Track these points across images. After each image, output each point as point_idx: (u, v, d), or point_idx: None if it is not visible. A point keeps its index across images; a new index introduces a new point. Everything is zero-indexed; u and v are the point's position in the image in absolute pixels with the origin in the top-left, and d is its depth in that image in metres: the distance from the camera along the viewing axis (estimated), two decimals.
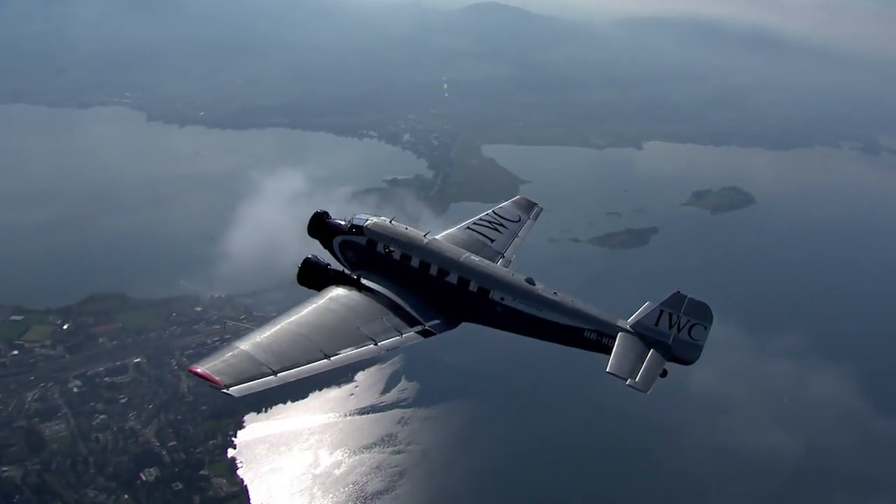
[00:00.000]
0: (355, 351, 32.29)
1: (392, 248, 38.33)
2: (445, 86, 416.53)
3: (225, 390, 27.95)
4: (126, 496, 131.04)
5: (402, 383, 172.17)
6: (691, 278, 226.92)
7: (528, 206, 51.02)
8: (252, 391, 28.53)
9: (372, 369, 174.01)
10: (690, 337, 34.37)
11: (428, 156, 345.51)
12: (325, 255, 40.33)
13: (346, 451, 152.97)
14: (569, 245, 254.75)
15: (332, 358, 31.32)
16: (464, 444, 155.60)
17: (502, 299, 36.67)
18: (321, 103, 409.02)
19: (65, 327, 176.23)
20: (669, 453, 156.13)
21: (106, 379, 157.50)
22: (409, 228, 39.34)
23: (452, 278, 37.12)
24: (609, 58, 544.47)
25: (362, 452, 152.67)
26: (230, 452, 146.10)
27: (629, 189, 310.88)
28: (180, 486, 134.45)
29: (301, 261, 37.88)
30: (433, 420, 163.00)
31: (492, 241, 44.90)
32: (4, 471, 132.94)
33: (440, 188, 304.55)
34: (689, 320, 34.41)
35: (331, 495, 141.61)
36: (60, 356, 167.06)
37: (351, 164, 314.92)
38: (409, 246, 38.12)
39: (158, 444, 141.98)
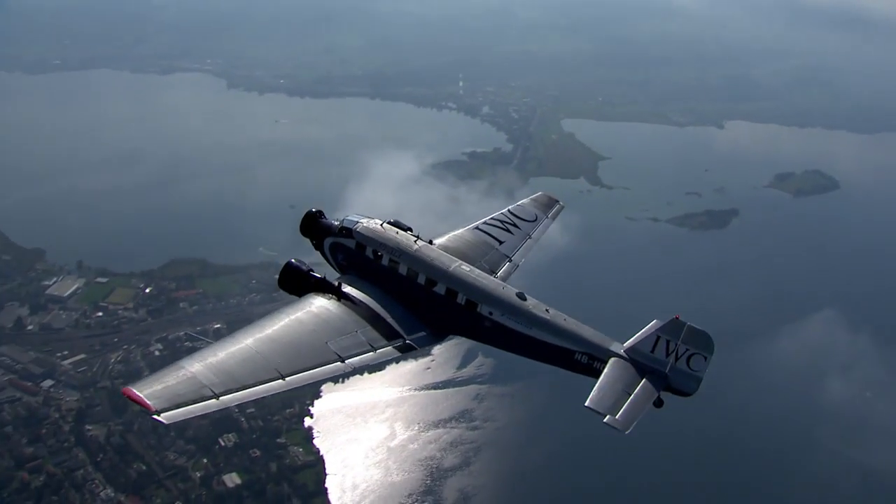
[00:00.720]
0: (318, 370, 30.12)
1: (381, 254, 36.39)
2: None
3: (156, 416, 25.44)
4: (205, 460, 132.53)
5: (479, 359, 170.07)
6: (776, 267, 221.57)
7: (549, 205, 48.12)
8: (188, 416, 26.19)
9: (449, 343, 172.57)
10: (689, 367, 31.19)
11: (507, 129, 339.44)
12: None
13: (422, 425, 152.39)
14: (647, 224, 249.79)
15: (287, 378, 28.96)
16: (540, 423, 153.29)
17: (490, 314, 34.18)
18: (401, 73, 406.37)
19: (147, 291, 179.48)
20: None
21: (186, 343, 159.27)
22: (399, 233, 37.11)
23: (440, 289, 34.94)
24: (692, 34, 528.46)
25: (438, 427, 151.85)
26: (307, 422, 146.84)
27: (710, 169, 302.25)
28: (258, 452, 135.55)
29: (283, 265, 36.09)
30: (509, 398, 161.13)
31: (501, 242, 42.23)
32: (89, 430, 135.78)
33: (519, 162, 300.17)
34: (687, 349, 31.17)
35: (406, 469, 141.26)
36: (143, 319, 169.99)
37: (430, 135, 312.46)
38: (397, 252, 36.11)
39: (237, 410, 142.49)
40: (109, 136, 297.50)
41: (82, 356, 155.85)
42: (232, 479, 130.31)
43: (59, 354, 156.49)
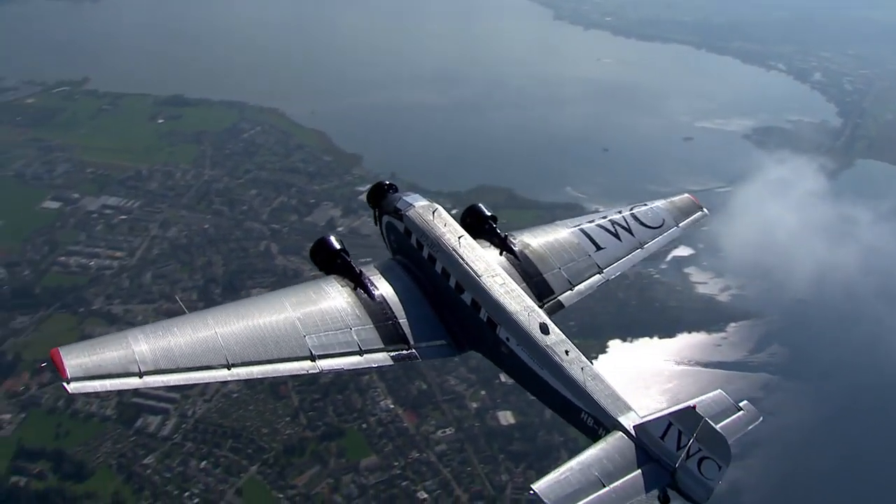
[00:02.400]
0: (276, 366, 26.01)
1: (423, 245, 31.81)
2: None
3: (65, 384, 22.39)
4: (483, 392, 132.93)
5: (775, 346, 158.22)
6: None
7: (686, 210, 39.81)
8: (100, 391, 23.32)
9: (746, 322, 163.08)
10: (701, 472, 23.78)
11: (838, 101, 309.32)
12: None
13: None
14: None
15: (233, 369, 25.21)
16: (829, 429, 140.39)
17: (508, 339, 28.69)
18: (729, 25, 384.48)
19: (453, 212, 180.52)
20: None
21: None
22: (447, 226, 31.84)
23: (467, 298, 30.08)
24: None
25: None
26: None
27: None
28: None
29: (317, 239, 32.42)
30: (801, 395, 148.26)
31: (599, 248, 35.18)
32: None
33: (847, 140, 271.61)
34: (700, 450, 23.52)
35: None
36: None
37: (753, 96, 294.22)
38: (436, 247, 31.30)
39: None
40: (434, 53, 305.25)
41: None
42: (506, 417, 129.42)
43: (360, 260, 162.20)
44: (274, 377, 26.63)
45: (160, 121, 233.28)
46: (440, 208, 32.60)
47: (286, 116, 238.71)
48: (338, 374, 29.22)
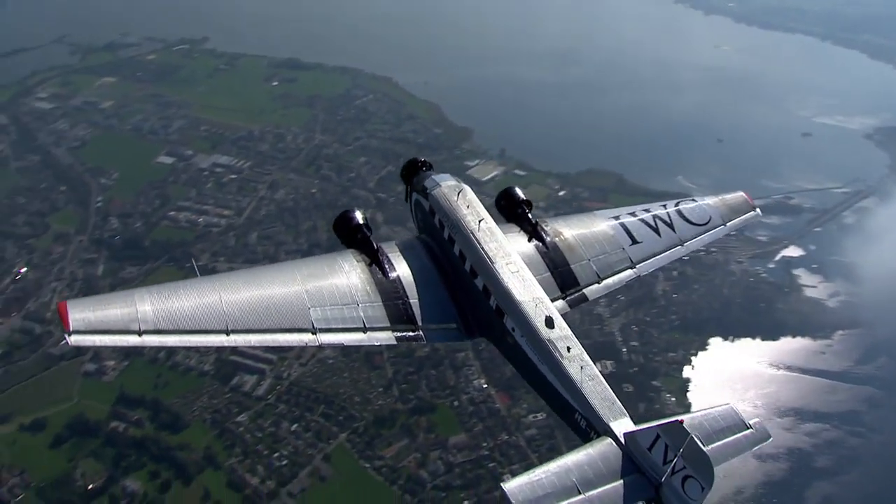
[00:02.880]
0: (276, 336, 26.01)
1: (444, 225, 30.86)
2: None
3: (66, 336, 23.34)
4: None
5: (883, 359, 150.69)
6: None
7: (737, 208, 36.64)
8: (101, 345, 24.14)
9: (854, 331, 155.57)
10: (684, 491, 21.59)
11: None
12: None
13: (802, 413, 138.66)
14: None
15: (231, 335, 25.31)
16: None
17: (513, 330, 27.66)
18: (861, 18, 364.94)
19: (560, 194, 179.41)
20: None
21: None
22: (470, 207, 30.70)
23: (479, 283, 29.10)
24: None
25: (818, 421, 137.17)
26: (686, 371, 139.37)
27: None
28: (630, 388, 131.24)
29: (341, 212, 31.68)
30: None
31: (635, 242, 33.13)
32: None
33: None
34: (685, 467, 21.28)
35: (772, 454, 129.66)
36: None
37: (878, 94, 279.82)
38: (455, 228, 30.28)
39: (621, 339, 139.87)
40: (549, 31, 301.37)
41: None
42: None
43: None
44: (274, 345, 26.58)
45: (274, 83, 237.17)
46: (467, 189, 31.62)
47: (399, 86, 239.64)
48: (338, 349, 28.99)
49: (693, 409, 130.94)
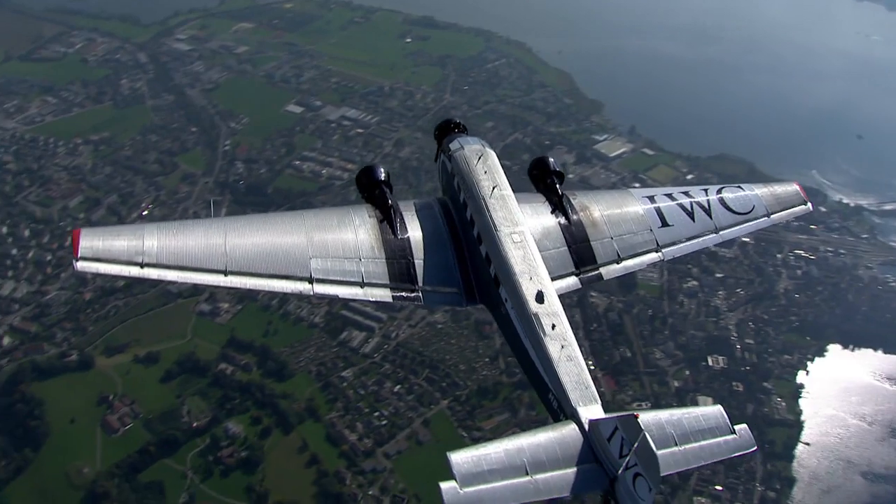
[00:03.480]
0: (271, 281, 26.38)
1: (461, 188, 30.25)
2: None
3: (74, 261, 24.65)
4: (687, 372, 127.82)
5: None
6: None
7: (786, 200, 33.37)
8: (104, 273, 25.00)
9: None
10: (634, 489, 20.14)
11: None
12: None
13: None
14: None
15: (229, 276, 25.92)
16: None
17: (506, 300, 26.94)
18: None
19: (689, 178, 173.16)
20: None
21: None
22: (488, 172, 29.91)
23: (483, 250, 28.50)
24: None
25: None
26: (800, 376, 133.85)
27: None
28: (740, 387, 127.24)
29: (365, 165, 31.90)
30: None
31: (665, 225, 31.58)
32: (592, 296, 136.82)
33: None
34: (636, 464, 19.81)
35: (882, 477, 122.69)
36: None
37: None
38: (469, 192, 29.70)
39: (736, 335, 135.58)
40: (692, 3, 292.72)
41: None
42: (706, 403, 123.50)
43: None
44: (269, 290, 26.85)
45: (408, 40, 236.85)
46: (490, 154, 30.86)
47: (532, 52, 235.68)
48: (333, 300, 29.05)
49: (806, 415, 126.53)
